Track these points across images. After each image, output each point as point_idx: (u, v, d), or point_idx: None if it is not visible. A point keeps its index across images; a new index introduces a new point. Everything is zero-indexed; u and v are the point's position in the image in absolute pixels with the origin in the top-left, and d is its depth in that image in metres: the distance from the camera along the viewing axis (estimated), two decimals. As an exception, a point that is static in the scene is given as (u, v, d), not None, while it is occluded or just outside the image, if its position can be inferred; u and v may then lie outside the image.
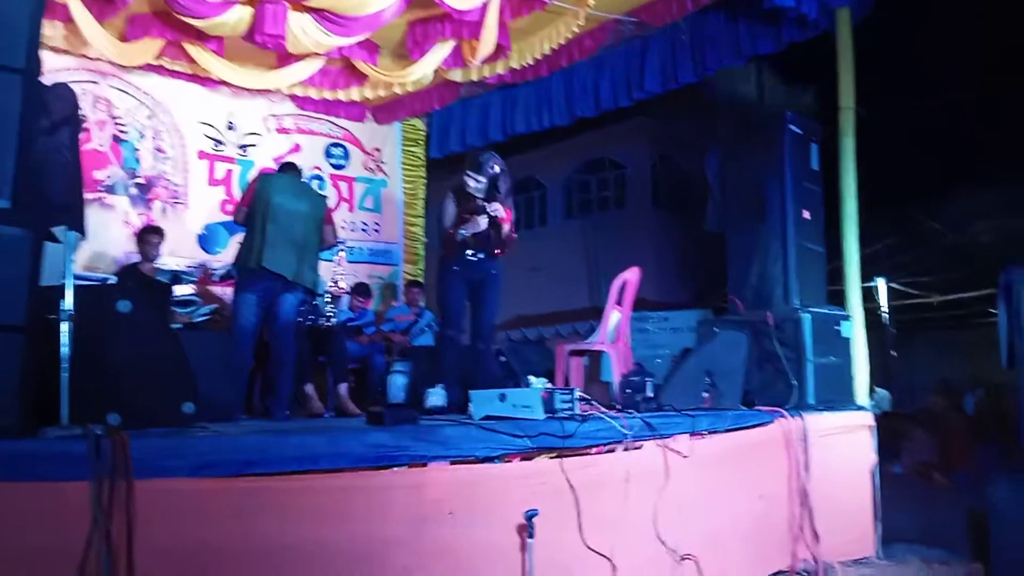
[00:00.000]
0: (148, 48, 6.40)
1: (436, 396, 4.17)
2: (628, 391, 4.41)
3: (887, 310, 11.42)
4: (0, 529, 2.17)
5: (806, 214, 5.65)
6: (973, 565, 4.88)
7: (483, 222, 4.62)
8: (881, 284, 11.44)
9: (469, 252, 4.67)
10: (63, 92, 3.86)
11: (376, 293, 8.30)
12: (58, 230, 2.79)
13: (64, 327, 2.61)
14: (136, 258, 6.34)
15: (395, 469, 3.04)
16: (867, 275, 10.50)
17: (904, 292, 12.67)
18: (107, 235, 6.87)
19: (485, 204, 4.67)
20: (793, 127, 5.62)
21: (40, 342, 2.57)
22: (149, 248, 6.11)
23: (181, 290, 6.19)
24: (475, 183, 4.64)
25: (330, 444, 2.88)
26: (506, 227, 4.76)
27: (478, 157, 4.72)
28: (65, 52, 6.56)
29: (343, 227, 8.18)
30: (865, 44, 6.10)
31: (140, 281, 5.81)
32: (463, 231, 4.62)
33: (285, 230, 4.88)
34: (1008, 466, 6.35)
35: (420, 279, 8.41)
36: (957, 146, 12.49)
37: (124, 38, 6.22)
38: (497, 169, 4.70)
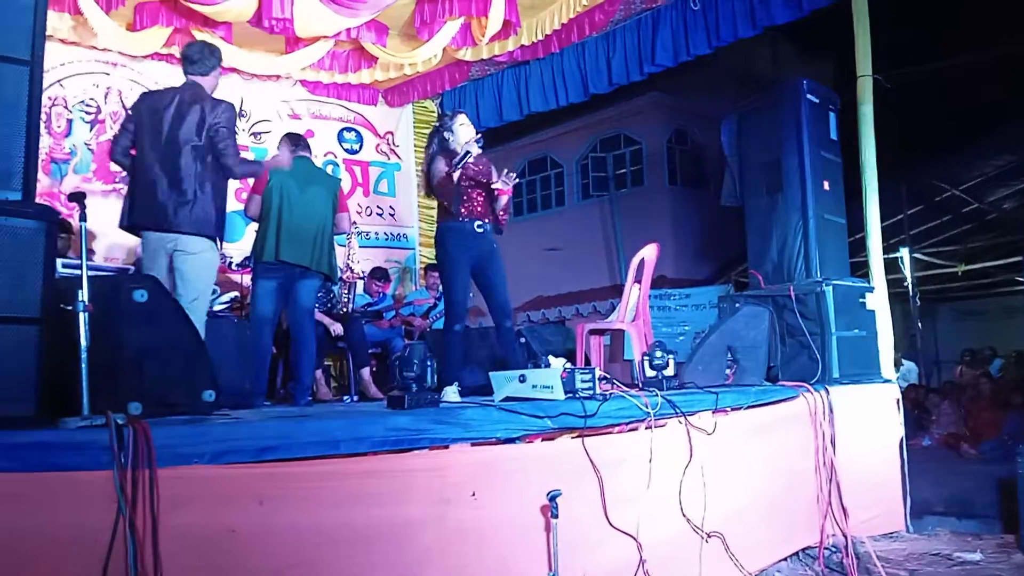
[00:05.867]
0: (156, 37, 6.38)
1: (451, 394, 4.13)
2: (649, 369, 4.35)
3: (912, 281, 11.25)
4: (24, 520, 2.18)
5: (826, 185, 5.55)
6: (1005, 537, 4.83)
7: (474, 149, 4.32)
8: (905, 254, 11.27)
9: (476, 223, 4.44)
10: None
11: (395, 277, 8.29)
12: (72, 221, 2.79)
13: (81, 317, 2.61)
14: None
15: (417, 452, 3.03)
16: (891, 246, 10.41)
17: (928, 262, 12.50)
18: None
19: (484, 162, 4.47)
20: (810, 96, 5.51)
21: (57, 333, 2.57)
22: None
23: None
24: (466, 127, 4.49)
25: (350, 429, 2.87)
26: (503, 200, 4.52)
27: (450, 111, 4.64)
28: (75, 44, 6.58)
29: (358, 212, 8.18)
30: (882, 9, 5.97)
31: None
32: (458, 164, 4.27)
33: (300, 219, 4.85)
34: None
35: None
36: (978, 111, 12.26)
37: (132, 27, 6.21)
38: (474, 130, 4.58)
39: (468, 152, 4.30)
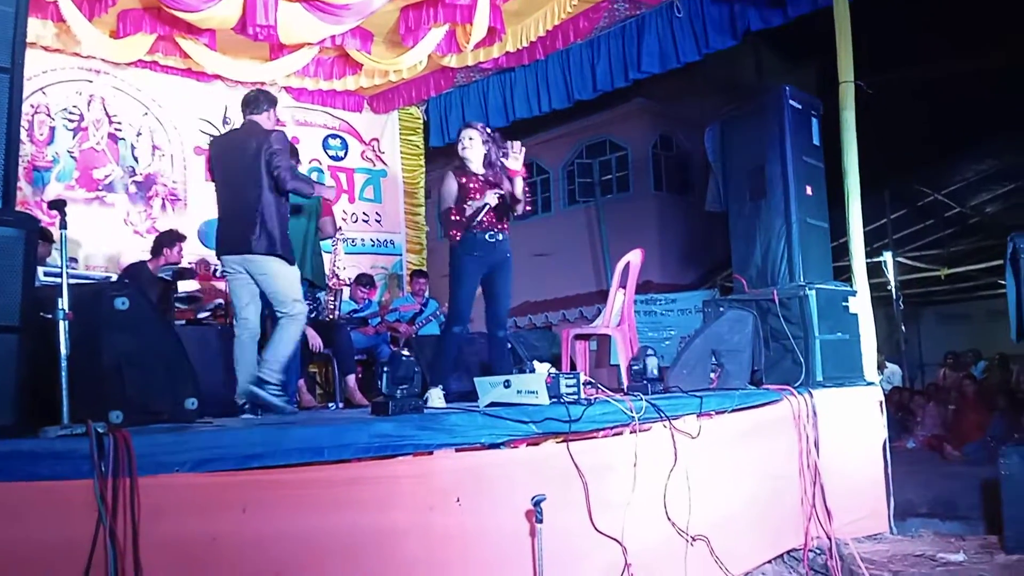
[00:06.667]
0: (140, 44, 6.36)
1: (436, 398, 4.13)
2: (635, 374, 4.37)
3: (895, 284, 11.34)
4: (2, 530, 2.16)
5: (808, 190, 5.59)
6: (988, 538, 4.86)
7: (493, 198, 4.28)
8: (888, 258, 11.36)
9: (488, 234, 4.34)
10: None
11: (381, 284, 8.27)
12: (53, 229, 2.79)
13: (61, 326, 2.59)
14: (144, 256, 6.29)
15: (401, 458, 3.02)
16: (875, 250, 10.48)
17: (912, 266, 12.60)
18: (107, 234, 6.87)
19: (499, 163, 4.37)
20: (793, 102, 5.56)
21: (37, 341, 2.55)
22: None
23: (185, 286, 6.17)
24: (471, 149, 4.38)
25: (334, 435, 2.86)
26: (518, 182, 4.35)
27: (466, 123, 4.57)
28: (58, 51, 6.55)
29: (343, 218, 8.16)
30: (864, 16, 6.03)
31: (148, 278, 5.77)
32: (469, 205, 4.27)
33: None
34: (1018, 436, 6.33)
35: (424, 268, 8.38)
36: (960, 117, 12.38)
37: (115, 35, 6.18)
38: (489, 130, 4.49)
39: (487, 204, 4.29)
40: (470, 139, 4.43)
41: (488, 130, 4.51)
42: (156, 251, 5.94)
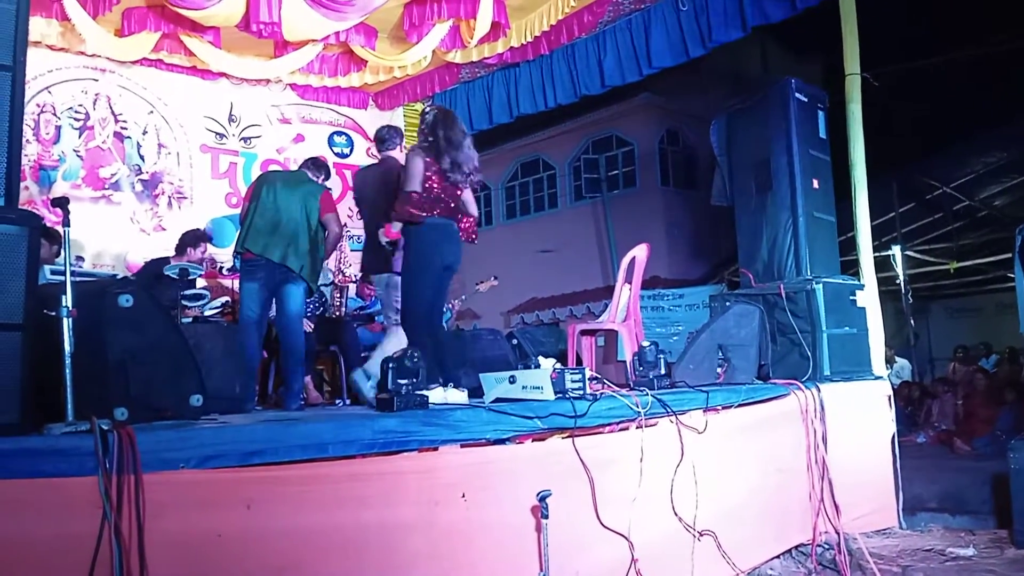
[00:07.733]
0: (145, 42, 6.37)
1: (454, 394, 4.12)
2: (640, 369, 4.35)
3: (904, 278, 11.27)
4: (8, 527, 2.16)
5: (815, 183, 5.56)
6: (998, 532, 4.83)
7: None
8: (897, 252, 11.29)
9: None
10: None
11: (387, 281, 8.27)
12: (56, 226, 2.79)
13: (65, 323, 2.59)
14: (165, 254, 6.28)
15: (406, 454, 3.02)
16: (883, 244, 10.41)
17: (920, 260, 12.51)
18: (113, 232, 6.88)
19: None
20: (799, 95, 5.53)
21: (41, 339, 2.55)
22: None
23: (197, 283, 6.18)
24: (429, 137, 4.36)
25: (338, 431, 2.86)
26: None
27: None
28: (63, 50, 6.56)
29: (349, 215, 8.15)
30: (869, 6, 5.98)
31: (163, 276, 5.76)
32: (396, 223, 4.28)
33: (271, 216, 4.83)
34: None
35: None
36: (967, 109, 12.29)
37: (120, 33, 6.20)
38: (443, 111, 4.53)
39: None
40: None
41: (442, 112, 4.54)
42: (180, 250, 5.97)
